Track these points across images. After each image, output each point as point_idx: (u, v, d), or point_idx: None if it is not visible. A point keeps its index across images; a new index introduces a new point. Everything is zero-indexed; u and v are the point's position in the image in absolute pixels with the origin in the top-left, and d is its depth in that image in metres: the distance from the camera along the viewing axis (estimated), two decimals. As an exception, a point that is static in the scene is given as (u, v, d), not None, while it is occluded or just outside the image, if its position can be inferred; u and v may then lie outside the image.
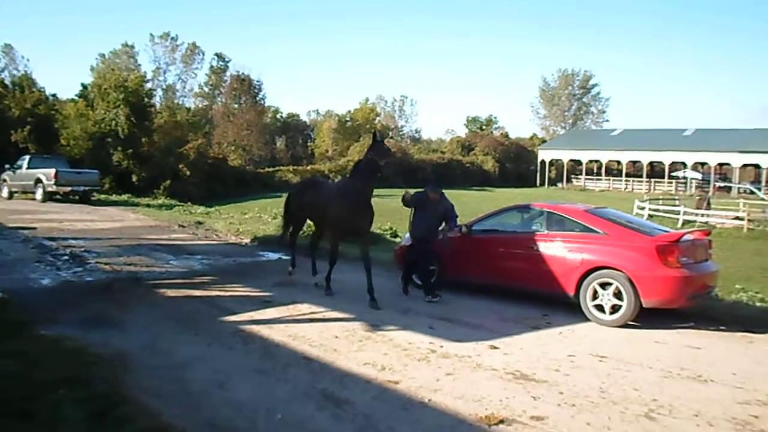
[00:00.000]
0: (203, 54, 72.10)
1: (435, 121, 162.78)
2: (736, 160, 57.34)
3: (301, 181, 12.55)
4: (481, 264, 8.60)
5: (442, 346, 6.34)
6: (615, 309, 7.33)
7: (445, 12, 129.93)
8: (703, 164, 60.04)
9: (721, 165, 59.87)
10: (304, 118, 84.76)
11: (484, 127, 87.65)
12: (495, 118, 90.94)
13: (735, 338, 7.17)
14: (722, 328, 7.50)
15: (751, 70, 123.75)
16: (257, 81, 63.97)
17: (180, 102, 68.58)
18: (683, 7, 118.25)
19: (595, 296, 7.49)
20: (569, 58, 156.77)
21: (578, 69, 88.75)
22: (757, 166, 58.71)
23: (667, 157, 60.42)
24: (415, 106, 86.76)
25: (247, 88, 63.28)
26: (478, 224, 8.94)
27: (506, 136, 80.00)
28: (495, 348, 6.33)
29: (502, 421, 4.49)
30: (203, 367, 5.57)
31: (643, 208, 31.09)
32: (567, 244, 7.80)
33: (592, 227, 7.78)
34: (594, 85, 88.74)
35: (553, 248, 7.90)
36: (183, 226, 16.77)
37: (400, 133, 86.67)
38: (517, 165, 68.62)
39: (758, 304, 9.16)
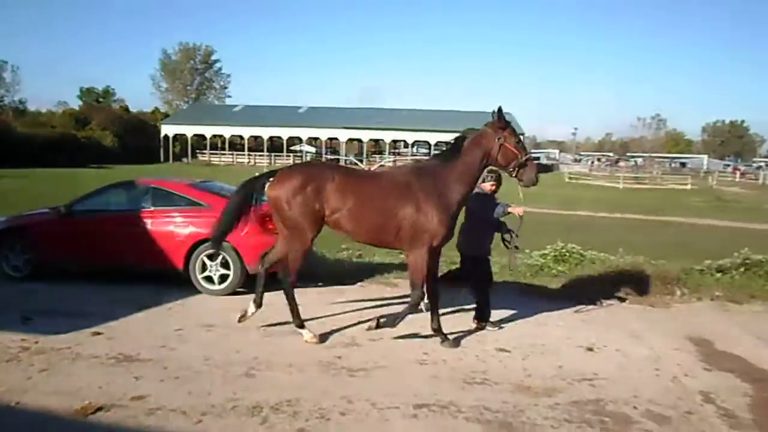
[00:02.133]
0: None
1: (43, 91, 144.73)
2: (343, 135, 64.59)
3: (302, 163, 6.92)
4: (86, 246, 8.03)
5: (37, 342, 5.75)
6: (224, 278, 7.64)
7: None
8: (316, 139, 66.23)
9: (331, 139, 66.85)
10: None
11: (101, 100, 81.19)
12: (113, 89, 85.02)
13: (330, 291, 8.14)
14: (320, 284, 8.44)
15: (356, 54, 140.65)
16: None
17: None
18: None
19: (204, 268, 7.67)
20: (190, 33, 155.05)
21: (200, 43, 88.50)
22: (359, 141, 67.22)
23: (285, 133, 64.68)
24: (17, 73, 74.63)
25: None
26: (80, 204, 8.28)
27: (126, 109, 75.41)
28: (98, 334, 6.01)
29: (100, 408, 4.31)
30: None
31: (264, 181, 32.84)
32: (174, 219, 7.81)
33: (197, 200, 7.91)
34: (216, 61, 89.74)
35: (161, 224, 7.82)
36: None
37: (1, 104, 74.38)
38: (140, 140, 65.21)
39: (354, 260, 10.52)
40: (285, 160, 63.94)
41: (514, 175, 5.88)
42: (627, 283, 8.30)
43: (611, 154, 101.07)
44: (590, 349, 5.94)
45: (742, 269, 9.35)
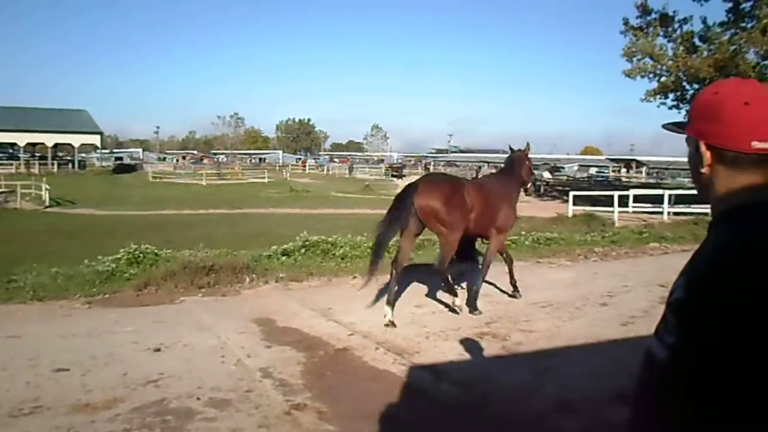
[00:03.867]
0: None
1: None
2: None
3: (433, 177, 9.13)
4: None
5: None
6: None
7: None
8: None
9: None
10: None
11: None
12: None
13: None
14: None
15: None
16: None
17: None
18: None
19: None
20: None
21: None
22: None
23: None
24: None
25: None
26: None
27: None
28: None
29: None
30: None
31: None
32: None
33: None
34: None
35: None
36: None
37: None
38: None
39: None
40: None
41: (527, 187, 8.50)
42: (201, 276, 8.47)
43: (195, 152, 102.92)
44: (158, 350, 5.82)
45: (303, 250, 10.49)
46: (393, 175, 64.29)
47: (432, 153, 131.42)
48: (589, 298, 8.49)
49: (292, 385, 4.96)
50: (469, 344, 6.13)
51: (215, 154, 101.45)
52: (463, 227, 7.15)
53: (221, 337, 6.18)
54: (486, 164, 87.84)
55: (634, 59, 29.52)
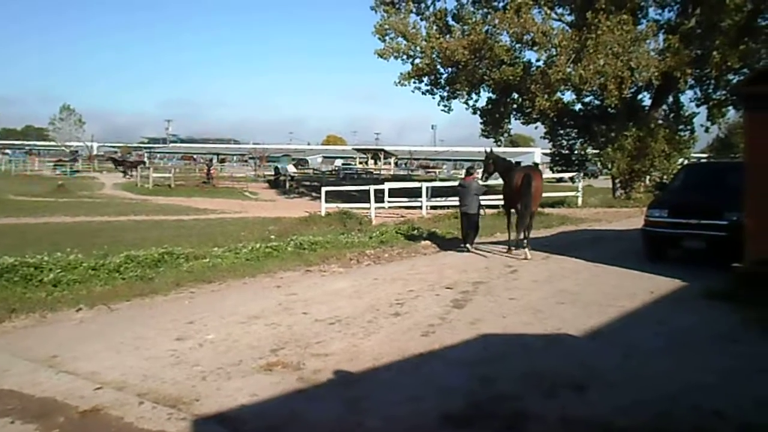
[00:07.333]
0: None
1: None
2: None
3: (533, 169, 17.57)
4: None
5: None
6: None
7: None
8: None
9: None
10: None
11: None
12: None
13: None
14: None
15: None
16: None
17: None
18: None
19: None
20: None
21: None
22: None
23: None
24: None
25: None
26: None
27: None
28: None
29: None
30: None
31: None
32: None
33: None
34: None
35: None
36: None
37: None
38: None
39: None
40: None
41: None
42: None
43: None
44: None
45: (-7, 278, 9.17)
46: (123, 171, 61.04)
47: (145, 143, 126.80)
48: (378, 308, 8.69)
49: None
50: (258, 380, 5.82)
51: None
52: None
53: None
54: (216, 156, 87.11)
55: (387, 38, 30.88)
